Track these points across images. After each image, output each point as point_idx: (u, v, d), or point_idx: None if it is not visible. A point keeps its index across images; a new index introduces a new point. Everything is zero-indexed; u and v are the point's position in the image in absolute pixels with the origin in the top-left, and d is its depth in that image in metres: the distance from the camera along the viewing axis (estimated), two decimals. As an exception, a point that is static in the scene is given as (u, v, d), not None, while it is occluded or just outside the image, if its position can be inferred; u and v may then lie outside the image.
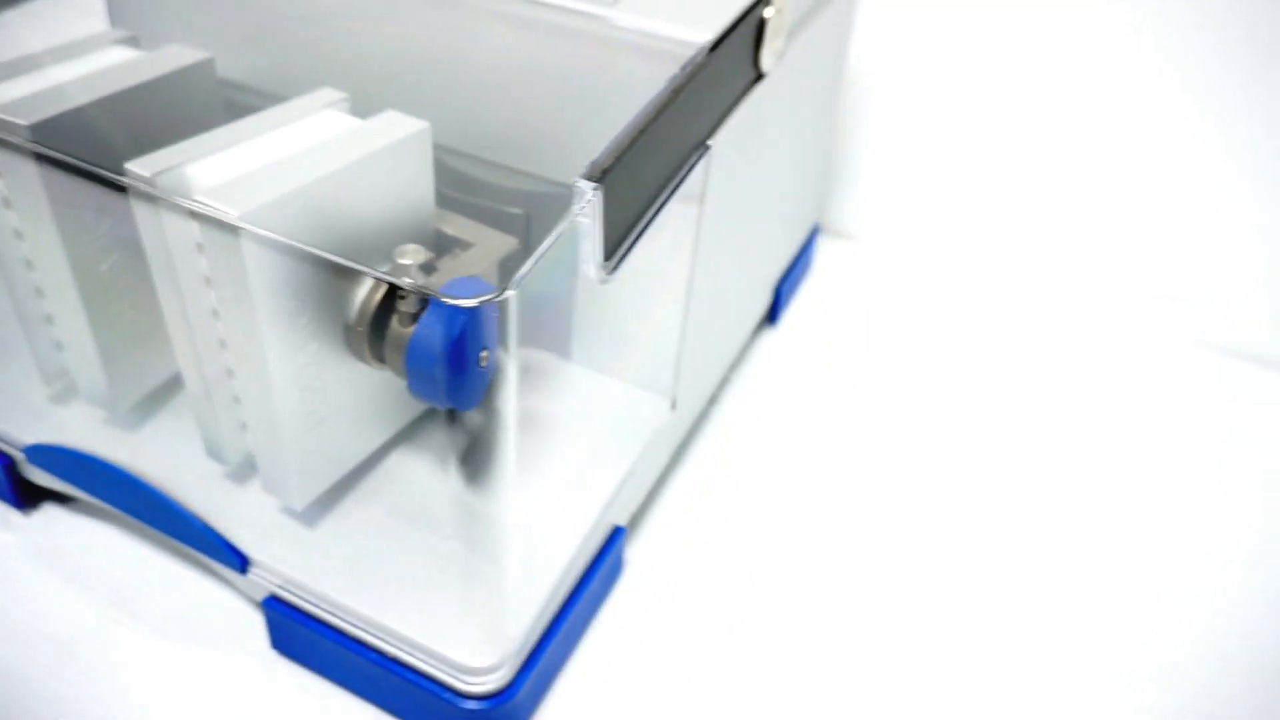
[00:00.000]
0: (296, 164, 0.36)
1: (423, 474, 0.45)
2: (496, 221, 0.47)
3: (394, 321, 0.38)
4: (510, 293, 0.29)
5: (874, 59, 0.68)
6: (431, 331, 0.37)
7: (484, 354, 0.40)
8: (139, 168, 0.35)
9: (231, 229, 0.33)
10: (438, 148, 0.42)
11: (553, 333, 0.52)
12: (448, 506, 0.43)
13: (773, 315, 0.65)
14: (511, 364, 0.32)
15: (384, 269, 0.40)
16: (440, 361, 0.36)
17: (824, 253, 0.72)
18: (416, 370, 0.38)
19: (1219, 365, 0.64)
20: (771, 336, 0.65)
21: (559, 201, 0.48)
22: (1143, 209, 0.65)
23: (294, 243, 0.31)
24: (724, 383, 0.60)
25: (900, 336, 0.65)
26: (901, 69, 0.68)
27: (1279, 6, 0.57)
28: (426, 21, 0.45)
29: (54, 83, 0.39)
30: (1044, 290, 0.69)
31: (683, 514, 0.52)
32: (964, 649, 0.46)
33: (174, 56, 0.43)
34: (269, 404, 0.37)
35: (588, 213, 0.32)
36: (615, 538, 0.46)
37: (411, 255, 0.37)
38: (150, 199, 0.34)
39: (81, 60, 0.42)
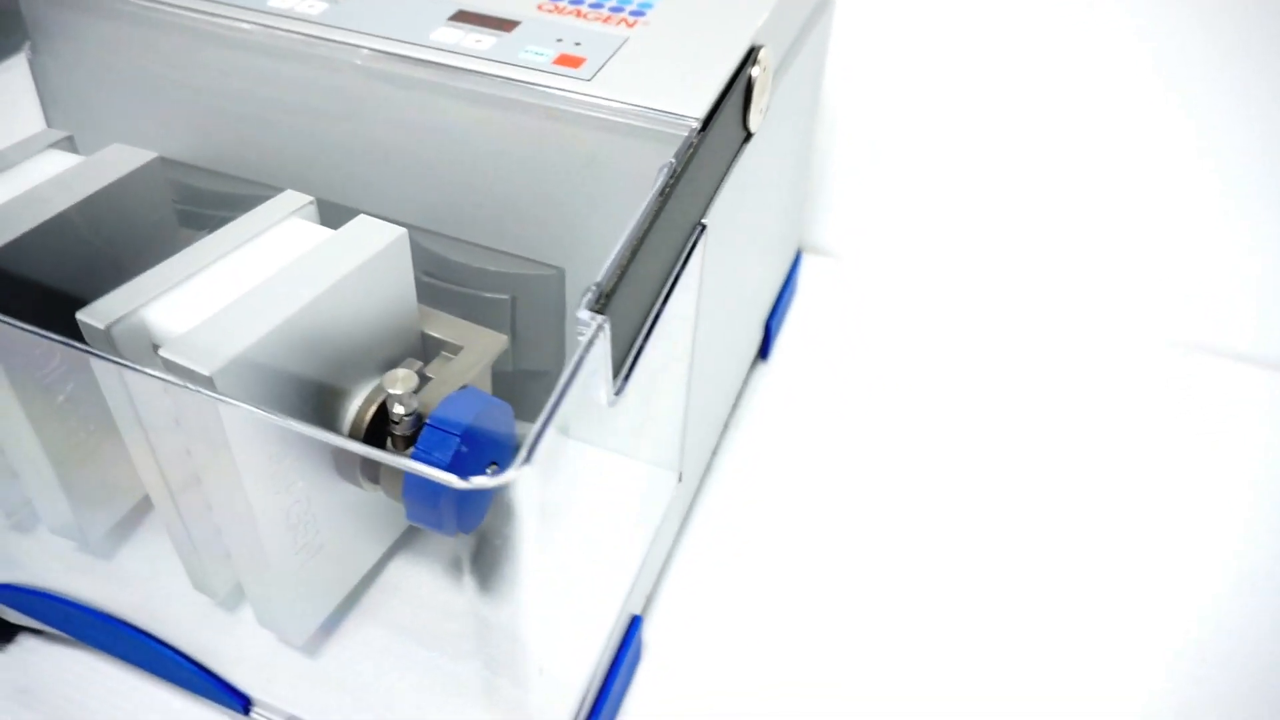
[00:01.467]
0: (268, 296, 0.33)
1: (423, 584, 0.43)
2: (482, 310, 0.44)
3: (388, 445, 0.36)
4: (525, 468, 0.27)
5: (844, 72, 0.66)
6: (429, 460, 0.34)
7: (492, 466, 0.38)
8: (92, 318, 0.31)
9: (204, 384, 0.30)
10: (414, 230, 0.39)
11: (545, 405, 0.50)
12: (462, 625, 0.41)
13: (764, 351, 0.63)
14: (530, 543, 0.29)
15: (373, 384, 0.37)
16: (440, 492, 0.34)
17: (806, 271, 0.70)
18: (415, 499, 0.35)
19: (1199, 363, 0.64)
20: (764, 373, 0.63)
21: (544, 284, 0.45)
22: (1111, 214, 0.65)
23: (271, 416, 0.28)
24: (722, 431, 0.58)
25: (891, 356, 0.64)
26: (872, 79, 0.66)
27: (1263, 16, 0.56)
28: (393, 102, 0.42)
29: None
30: (1022, 296, 0.68)
31: (693, 582, 0.50)
32: (986, 671, 0.45)
33: (119, 160, 0.39)
34: (257, 548, 0.35)
35: (596, 343, 0.30)
36: (634, 628, 0.44)
37: (402, 383, 0.34)
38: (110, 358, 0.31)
39: (14, 174, 0.39)
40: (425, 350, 0.40)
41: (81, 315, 0.31)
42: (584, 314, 0.30)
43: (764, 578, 0.50)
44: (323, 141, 0.45)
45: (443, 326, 0.40)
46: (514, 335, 0.45)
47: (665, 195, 0.34)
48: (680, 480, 0.48)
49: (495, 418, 0.37)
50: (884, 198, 0.70)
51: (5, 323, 0.29)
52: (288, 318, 0.32)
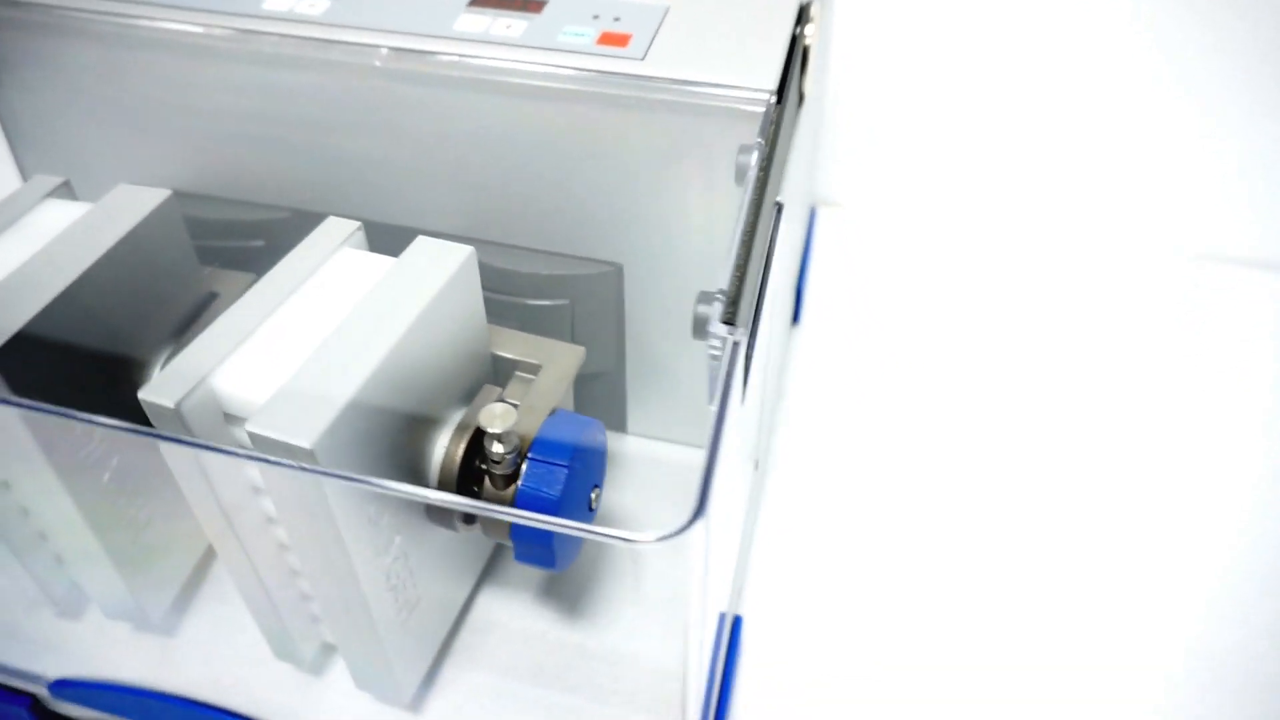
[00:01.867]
0: (347, 345, 0.29)
1: (516, 617, 0.40)
2: (537, 317, 0.41)
3: (486, 484, 0.33)
4: (700, 522, 0.24)
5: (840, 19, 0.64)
6: (540, 494, 0.32)
7: (596, 492, 0.35)
8: (158, 396, 0.28)
9: (303, 457, 0.27)
10: (459, 238, 0.36)
11: (606, 406, 0.47)
12: (570, 656, 0.38)
13: (795, 315, 0.61)
14: (700, 588, 0.27)
15: (456, 417, 0.34)
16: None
17: (818, 224, 0.68)
18: (526, 541, 0.33)
19: (1210, 271, 0.63)
20: (798, 337, 0.60)
21: (602, 282, 0.42)
22: (1106, 132, 0.64)
23: (397, 486, 0.25)
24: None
25: (917, 302, 0.62)
26: (865, 19, 0.64)
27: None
28: (421, 103, 0.38)
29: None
30: (1026, 223, 0.67)
31: (772, 570, 0.48)
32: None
33: (131, 202, 0.35)
34: (361, 615, 0.32)
35: (737, 359, 0.27)
36: (737, 630, 0.42)
37: (500, 419, 0.31)
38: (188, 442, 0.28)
39: (18, 232, 0.34)
40: (499, 374, 0.37)
41: (145, 395, 0.28)
42: (718, 328, 0.27)
43: (842, 555, 0.49)
44: (343, 154, 0.41)
45: (514, 345, 0.36)
46: (572, 338, 0.43)
47: (763, 180, 0.31)
48: (756, 467, 0.46)
49: (593, 438, 0.35)
50: (886, 138, 0.68)
51: (65, 415, 0.25)
52: (375, 367, 0.29)
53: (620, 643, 0.40)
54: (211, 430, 0.29)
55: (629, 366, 0.45)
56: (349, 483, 0.28)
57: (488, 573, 0.42)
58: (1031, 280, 0.63)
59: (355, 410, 0.28)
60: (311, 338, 0.30)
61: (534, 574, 0.42)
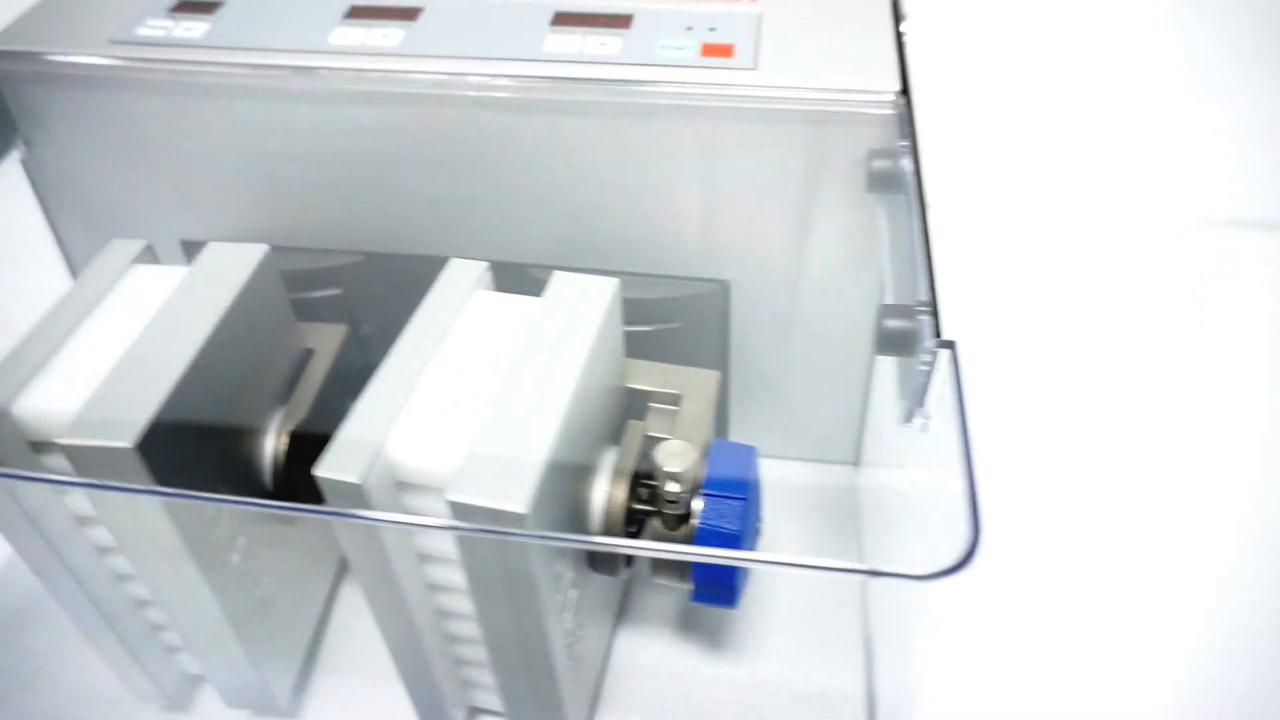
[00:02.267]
0: (526, 398, 0.27)
1: (655, 657, 0.39)
2: (649, 343, 0.40)
3: (657, 524, 0.31)
4: (971, 561, 0.22)
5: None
6: (720, 530, 0.30)
7: (760, 521, 0.34)
8: (339, 473, 0.26)
9: (514, 523, 0.25)
10: (555, 268, 0.34)
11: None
12: (726, 692, 0.37)
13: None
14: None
15: (609, 458, 0.32)
16: (735, 570, 0.30)
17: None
18: (708, 580, 0.31)
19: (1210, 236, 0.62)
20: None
21: (707, 301, 0.41)
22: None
23: (596, 541, 0.23)
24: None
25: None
26: None
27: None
28: (517, 130, 0.36)
29: (115, 359, 0.29)
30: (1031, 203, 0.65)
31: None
32: None
33: (231, 262, 0.32)
34: (545, 677, 0.30)
35: (955, 371, 0.26)
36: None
37: (679, 458, 0.29)
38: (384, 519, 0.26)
39: (114, 303, 0.32)
40: (632, 407, 0.35)
41: (325, 472, 0.25)
42: (932, 341, 0.26)
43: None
44: (423, 190, 0.38)
45: (649, 376, 0.35)
46: (678, 358, 0.41)
47: (920, 182, 0.30)
48: (857, 465, 0.45)
49: (755, 466, 0.33)
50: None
51: (283, 509, 0.23)
52: (564, 420, 0.27)
53: (773, 670, 0.38)
54: (386, 500, 0.27)
55: (732, 382, 0.44)
56: (545, 543, 0.26)
57: (623, 616, 0.40)
58: (1032, 255, 0.61)
59: (552, 467, 0.26)
60: (480, 392, 0.28)
61: (668, 611, 0.40)
